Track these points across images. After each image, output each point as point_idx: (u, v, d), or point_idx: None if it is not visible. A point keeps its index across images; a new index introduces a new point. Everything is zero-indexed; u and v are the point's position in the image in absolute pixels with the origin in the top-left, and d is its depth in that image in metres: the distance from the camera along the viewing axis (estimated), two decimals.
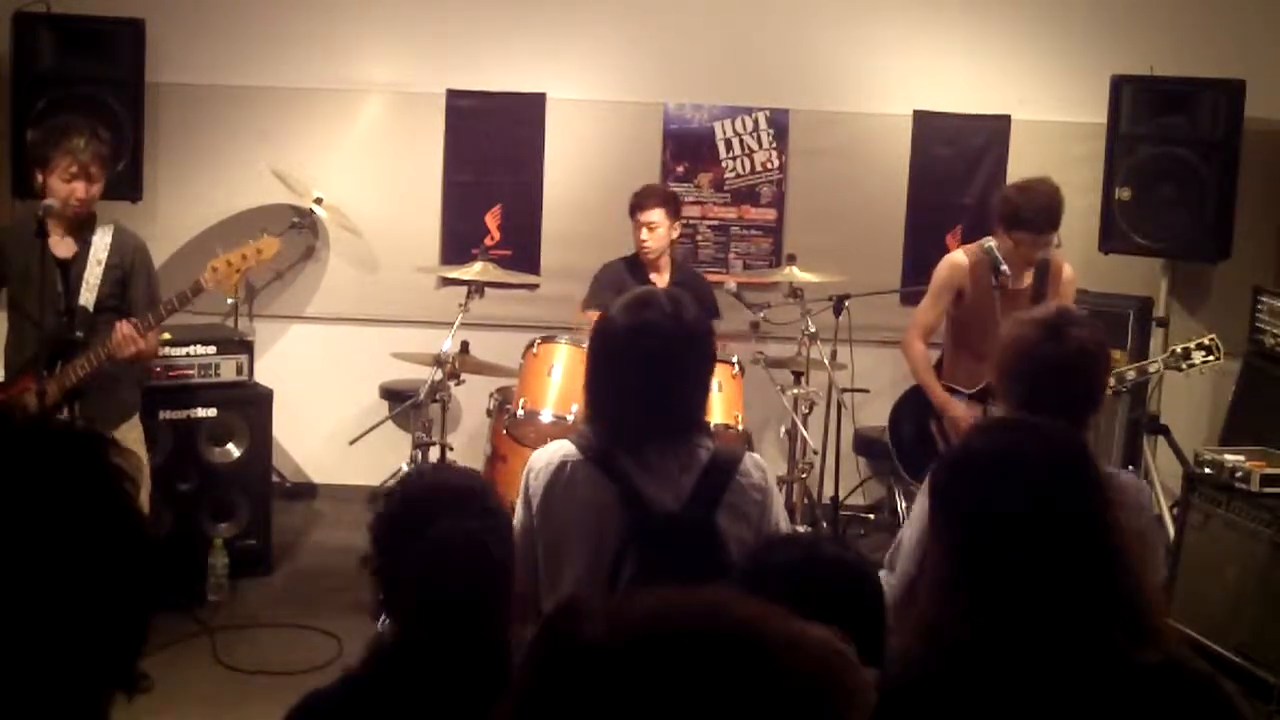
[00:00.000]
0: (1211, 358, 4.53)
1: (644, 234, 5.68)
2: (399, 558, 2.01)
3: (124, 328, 4.41)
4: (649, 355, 2.63)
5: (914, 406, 5.24)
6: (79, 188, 4.43)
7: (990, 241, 4.87)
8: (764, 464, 2.74)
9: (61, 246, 4.54)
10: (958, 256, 5.15)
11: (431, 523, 1.96)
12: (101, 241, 4.58)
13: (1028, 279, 5.06)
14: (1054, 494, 1.89)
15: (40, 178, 4.46)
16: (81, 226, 4.58)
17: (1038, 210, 4.86)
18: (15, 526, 1.06)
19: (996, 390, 2.95)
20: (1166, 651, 1.88)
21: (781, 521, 2.73)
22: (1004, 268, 4.76)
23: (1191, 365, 4.58)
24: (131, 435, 4.72)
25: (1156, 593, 1.97)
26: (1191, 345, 4.56)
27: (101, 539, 1.11)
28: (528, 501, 2.70)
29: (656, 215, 5.67)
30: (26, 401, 4.36)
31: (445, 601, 1.90)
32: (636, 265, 5.78)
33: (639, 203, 5.71)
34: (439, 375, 5.33)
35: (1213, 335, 4.63)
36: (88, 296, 4.53)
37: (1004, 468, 1.93)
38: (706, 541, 2.58)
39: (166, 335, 5.27)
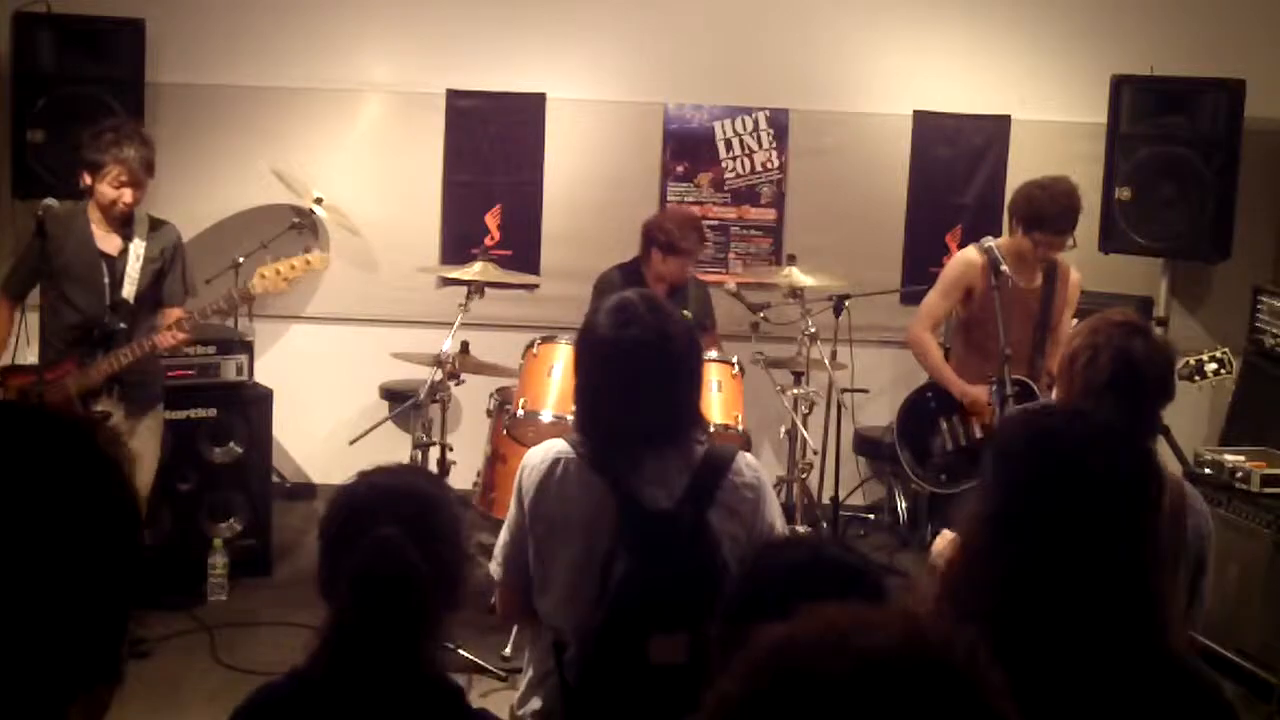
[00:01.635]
0: (1224, 371, 4.52)
1: (690, 268, 5.67)
2: (336, 560, 2.04)
3: (171, 317, 4.76)
4: (636, 367, 2.63)
5: (922, 406, 5.20)
6: (126, 194, 4.73)
7: (989, 241, 4.81)
8: (756, 463, 2.75)
9: (106, 242, 4.82)
10: (971, 254, 5.04)
11: (369, 527, 1.99)
12: (140, 237, 4.85)
13: (1038, 279, 5.05)
14: (1095, 487, 1.90)
15: (89, 180, 4.72)
16: (124, 223, 4.84)
17: (1061, 211, 4.84)
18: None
19: (1063, 384, 2.94)
20: (1170, 652, 1.89)
21: (776, 521, 2.73)
22: (1004, 268, 4.74)
23: (1204, 378, 4.56)
24: (157, 421, 5.03)
25: (1169, 588, 1.98)
26: (1205, 358, 4.53)
27: (78, 516, 1.10)
28: (520, 499, 2.70)
29: (699, 251, 5.70)
30: (66, 385, 4.66)
31: (366, 610, 1.94)
32: (636, 277, 5.71)
33: (687, 248, 5.59)
34: (439, 375, 5.32)
35: (1225, 349, 4.61)
36: (130, 289, 4.81)
37: (1057, 452, 1.95)
38: (699, 539, 2.58)
39: None
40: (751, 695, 1.02)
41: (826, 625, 1.04)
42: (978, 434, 5.00)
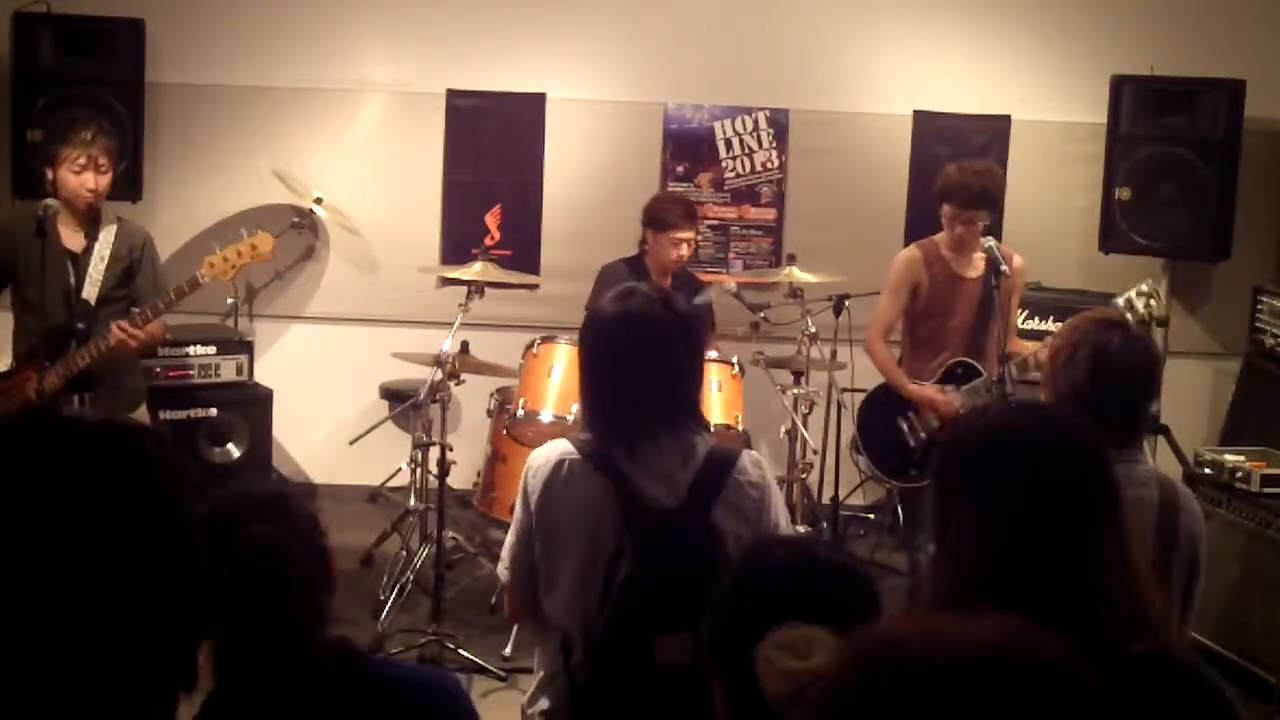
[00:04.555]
0: (1154, 302, 4.53)
1: (682, 250, 5.69)
2: (214, 574, 2.05)
3: (115, 332, 4.50)
4: (641, 343, 2.65)
5: (879, 406, 5.28)
6: (89, 179, 4.56)
7: (989, 241, 4.87)
8: (762, 461, 2.75)
9: (72, 240, 4.68)
10: (911, 251, 5.25)
11: (235, 531, 2.01)
12: (106, 237, 4.70)
13: (979, 268, 5.09)
14: (1058, 479, 1.91)
15: (50, 175, 4.58)
16: (90, 221, 4.69)
17: (963, 182, 4.96)
18: (60, 524, 1.06)
19: (1048, 383, 2.95)
20: (1156, 642, 1.89)
21: (781, 519, 2.73)
22: (1005, 268, 4.77)
23: (1137, 315, 4.51)
24: None
25: (1149, 584, 1.98)
26: (1133, 295, 4.53)
27: (149, 534, 1.10)
28: (526, 500, 2.71)
29: (689, 232, 5.70)
30: (27, 390, 4.49)
31: (247, 605, 1.95)
32: (640, 268, 5.74)
33: (672, 221, 5.63)
34: (439, 375, 5.32)
35: (1149, 279, 4.69)
36: (91, 290, 4.65)
37: (1017, 450, 1.95)
38: (704, 538, 2.58)
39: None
40: (853, 694, 1.03)
41: (926, 625, 1.05)
42: (935, 425, 5.06)
